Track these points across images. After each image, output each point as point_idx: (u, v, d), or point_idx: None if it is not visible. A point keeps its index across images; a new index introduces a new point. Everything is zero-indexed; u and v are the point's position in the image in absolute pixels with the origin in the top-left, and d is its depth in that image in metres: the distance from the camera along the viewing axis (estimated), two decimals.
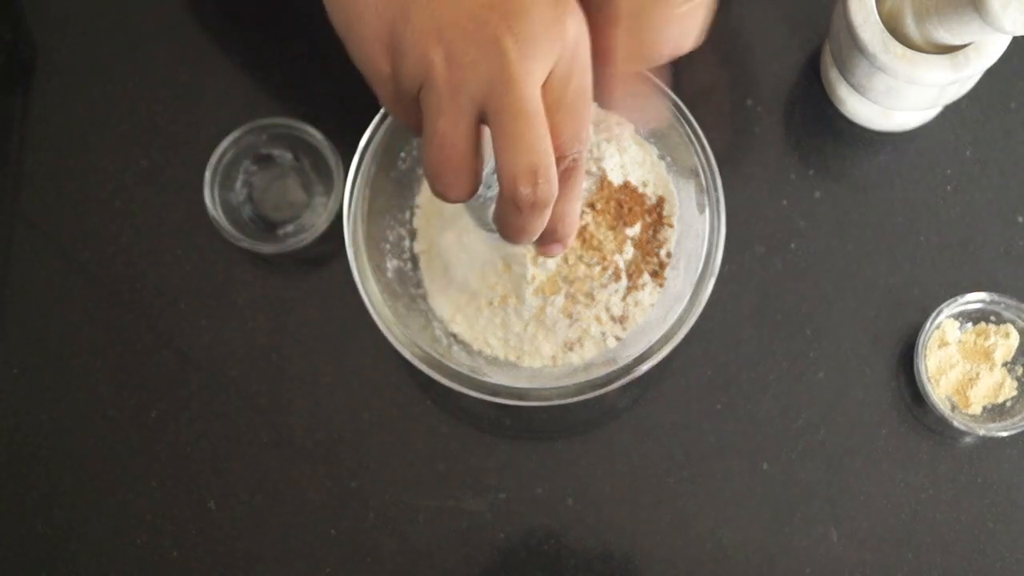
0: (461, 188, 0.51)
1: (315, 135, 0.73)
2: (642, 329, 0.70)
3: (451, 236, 0.71)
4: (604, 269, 0.69)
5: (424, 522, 0.72)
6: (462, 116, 0.49)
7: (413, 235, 0.73)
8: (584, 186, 0.69)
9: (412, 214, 0.73)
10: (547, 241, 0.55)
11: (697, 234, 0.70)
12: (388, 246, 0.72)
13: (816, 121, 0.76)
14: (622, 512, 0.72)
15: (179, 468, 0.72)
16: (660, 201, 0.72)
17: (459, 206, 0.71)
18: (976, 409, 0.72)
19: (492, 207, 0.58)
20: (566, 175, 0.52)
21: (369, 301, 0.68)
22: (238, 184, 0.74)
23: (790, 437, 0.73)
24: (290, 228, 0.74)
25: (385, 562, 0.71)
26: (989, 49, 0.65)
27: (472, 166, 0.51)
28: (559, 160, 0.50)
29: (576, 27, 0.50)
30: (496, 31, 0.48)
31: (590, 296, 0.69)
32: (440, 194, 0.52)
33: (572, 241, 0.56)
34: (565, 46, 0.49)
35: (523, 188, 0.49)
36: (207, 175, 0.71)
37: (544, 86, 0.49)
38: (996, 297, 0.72)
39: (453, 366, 0.68)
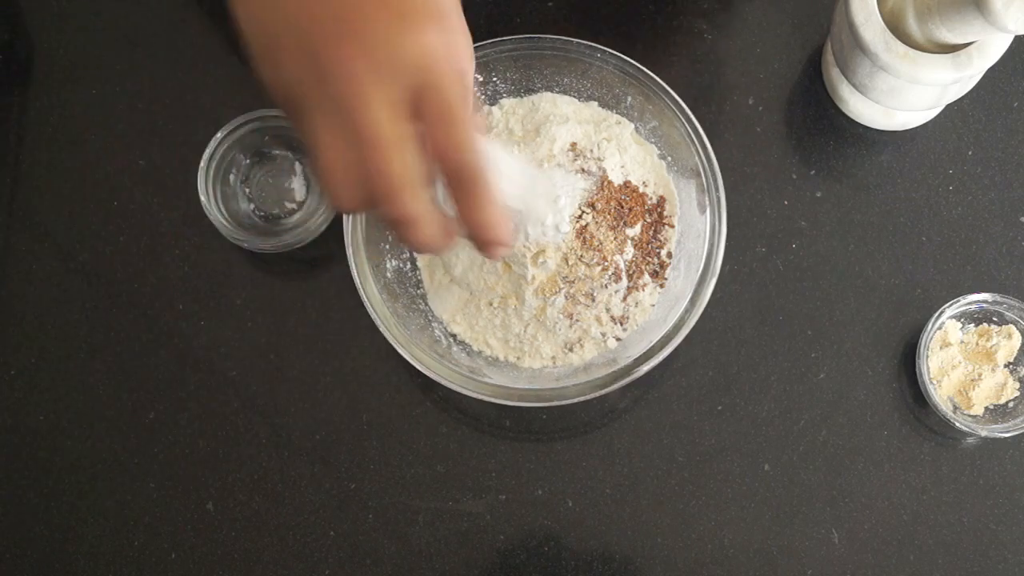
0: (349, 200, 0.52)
1: None
2: (643, 330, 0.70)
3: None
4: (604, 269, 0.68)
5: (423, 524, 0.72)
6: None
7: None
8: (583, 186, 0.68)
9: None
10: (480, 247, 0.53)
11: (698, 234, 0.69)
12: (387, 246, 0.72)
13: (817, 120, 0.76)
14: (623, 513, 0.72)
15: (177, 469, 0.72)
16: (661, 201, 0.72)
17: None
18: (978, 410, 0.72)
19: None
20: (460, 183, 0.50)
21: (368, 301, 0.67)
22: (236, 181, 0.74)
23: (791, 438, 0.72)
24: (289, 227, 0.74)
25: (384, 564, 0.71)
26: (991, 48, 0.65)
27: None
28: (445, 170, 0.49)
29: (433, 38, 0.49)
30: (329, 62, 0.48)
31: (590, 296, 0.69)
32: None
33: (512, 240, 0.55)
34: (417, 62, 0.48)
35: (385, 210, 0.49)
36: (202, 166, 0.71)
37: (408, 101, 0.48)
38: (998, 298, 0.72)
39: (453, 367, 0.67)
